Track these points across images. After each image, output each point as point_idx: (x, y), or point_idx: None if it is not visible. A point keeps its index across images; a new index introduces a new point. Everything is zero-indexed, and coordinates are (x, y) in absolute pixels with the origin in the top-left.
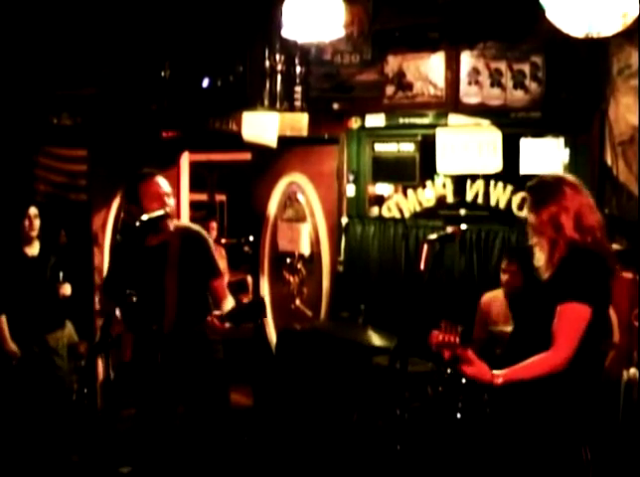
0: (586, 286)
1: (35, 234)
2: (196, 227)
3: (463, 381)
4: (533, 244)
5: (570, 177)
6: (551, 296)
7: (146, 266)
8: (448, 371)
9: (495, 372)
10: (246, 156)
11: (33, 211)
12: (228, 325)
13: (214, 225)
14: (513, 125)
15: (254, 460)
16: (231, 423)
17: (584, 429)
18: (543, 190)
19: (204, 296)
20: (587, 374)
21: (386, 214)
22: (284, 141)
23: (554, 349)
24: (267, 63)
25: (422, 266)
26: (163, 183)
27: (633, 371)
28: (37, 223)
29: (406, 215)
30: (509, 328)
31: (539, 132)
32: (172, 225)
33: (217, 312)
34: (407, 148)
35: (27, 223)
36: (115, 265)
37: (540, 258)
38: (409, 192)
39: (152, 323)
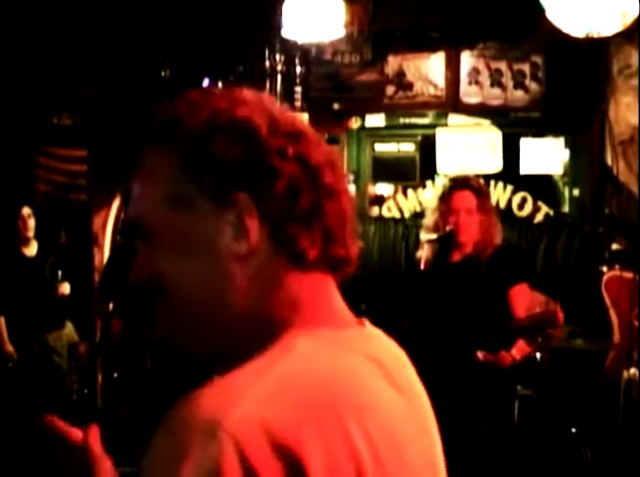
0: None
1: (31, 234)
2: None
3: None
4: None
5: None
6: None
7: None
8: None
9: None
10: None
11: (26, 211)
12: None
13: None
14: (513, 125)
15: None
16: None
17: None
18: None
19: None
20: None
21: (386, 214)
22: None
23: None
24: (267, 63)
25: (422, 266)
26: None
27: (633, 371)
28: (31, 223)
29: (406, 215)
30: None
31: (539, 132)
32: None
33: None
34: (408, 148)
35: (21, 223)
36: (114, 267)
37: None
38: (409, 192)
39: (145, 328)
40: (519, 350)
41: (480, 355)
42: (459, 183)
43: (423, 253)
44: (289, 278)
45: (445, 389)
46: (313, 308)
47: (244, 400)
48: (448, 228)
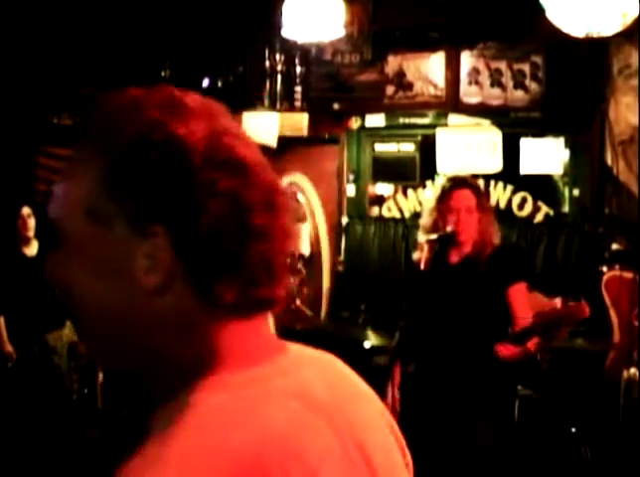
0: None
1: (31, 233)
2: None
3: None
4: None
5: None
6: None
7: None
8: None
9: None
10: None
11: (26, 210)
12: None
13: None
14: (513, 125)
15: None
16: None
17: None
18: None
19: None
20: None
21: (386, 214)
22: (284, 141)
23: None
24: (267, 63)
25: (423, 266)
26: None
27: (633, 371)
28: (31, 222)
29: (406, 215)
30: None
31: (539, 132)
32: None
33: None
34: (407, 148)
35: (21, 223)
36: None
37: None
38: (410, 192)
39: None
40: (533, 344)
41: (503, 348)
42: (458, 182)
43: (423, 254)
44: (201, 322)
45: (446, 389)
46: (227, 353)
47: None
48: (449, 227)
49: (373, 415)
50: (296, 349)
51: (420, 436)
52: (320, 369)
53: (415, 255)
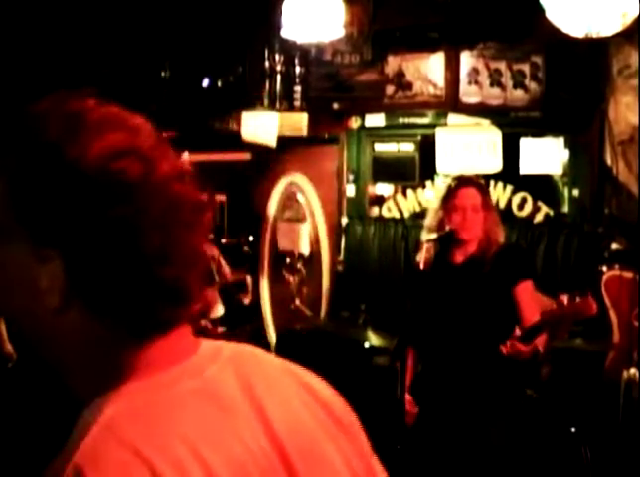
0: None
1: None
2: None
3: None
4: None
5: None
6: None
7: None
8: None
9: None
10: (246, 156)
11: None
12: (220, 329)
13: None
14: (513, 125)
15: None
16: None
17: None
18: None
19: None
20: None
21: (386, 214)
22: (284, 141)
23: None
24: (267, 63)
25: (423, 266)
26: None
27: (633, 371)
28: None
29: (406, 215)
30: None
31: (539, 132)
32: None
33: (212, 316)
34: (407, 148)
35: None
36: None
37: None
38: (409, 192)
39: None
40: (540, 342)
41: (508, 345)
42: (464, 180)
43: (423, 255)
44: (105, 339)
45: (455, 389)
46: (135, 365)
47: None
48: (448, 227)
49: (293, 408)
50: (209, 347)
51: (431, 436)
52: (234, 364)
53: (418, 257)
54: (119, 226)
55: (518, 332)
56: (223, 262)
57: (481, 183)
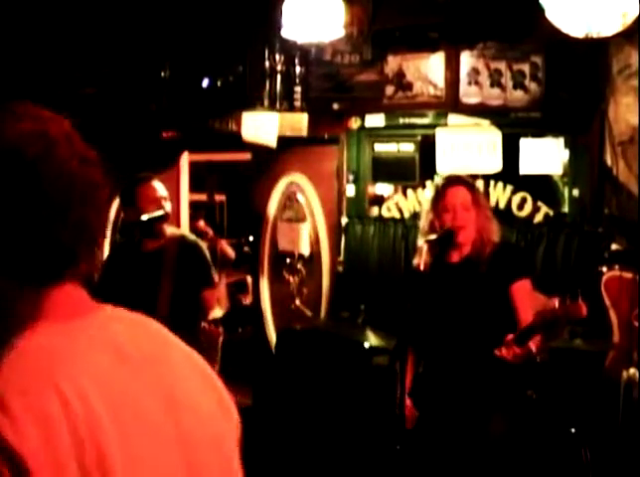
0: None
1: None
2: (192, 236)
3: None
4: None
5: None
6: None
7: (141, 271)
8: None
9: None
10: (246, 156)
11: None
12: (221, 330)
13: (201, 224)
14: (513, 125)
15: (253, 460)
16: None
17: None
18: None
19: (196, 303)
20: None
21: (386, 214)
22: (284, 141)
23: None
24: (267, 63)
25: (422, 266)
26: (159, 187)
27: (633, 371)
28: None
29: (406, 215)
30: None
31: (539, 132)
32: (168, 230)
33: (211, 317)
34: (407, 148)
35: None
36: (109, 270)
37: None
38: (409, 192)
39: None
40: (534, 343)
41: (504, 349)
42: (452, 180)
43: (422, 256)
44: (18, 291)
45: (455, 389)
46: (46, 312)
47: None
48: (446, 226)
49: (185, 375)
50: (111, 310)
51: (430, 436)
52: (132, 326)
53: (415, 260)
54: (20, 194)
55: (510, 336)
56: (223, 242)
57: (470, 181)
